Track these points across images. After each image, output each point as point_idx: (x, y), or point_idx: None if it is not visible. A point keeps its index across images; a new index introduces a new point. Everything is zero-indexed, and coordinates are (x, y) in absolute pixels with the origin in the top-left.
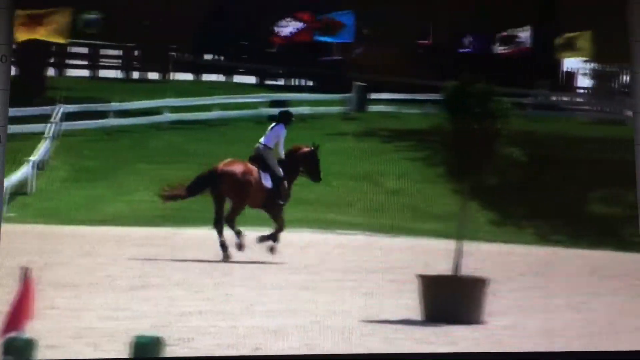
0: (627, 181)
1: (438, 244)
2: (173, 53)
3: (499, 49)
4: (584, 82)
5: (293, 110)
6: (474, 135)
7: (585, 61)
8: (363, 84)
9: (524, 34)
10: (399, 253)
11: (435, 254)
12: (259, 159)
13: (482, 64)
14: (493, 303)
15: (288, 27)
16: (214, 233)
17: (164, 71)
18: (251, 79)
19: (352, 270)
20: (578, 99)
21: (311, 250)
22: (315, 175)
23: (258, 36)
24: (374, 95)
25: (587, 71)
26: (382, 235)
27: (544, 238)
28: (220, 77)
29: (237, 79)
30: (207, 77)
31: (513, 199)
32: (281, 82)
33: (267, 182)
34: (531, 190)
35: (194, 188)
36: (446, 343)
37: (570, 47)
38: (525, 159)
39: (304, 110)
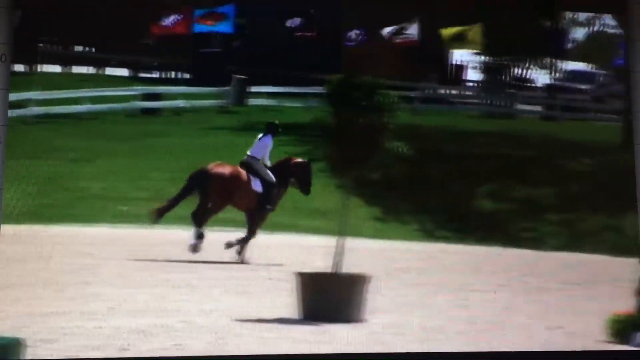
0: (515, 176)
1: (318, 240)
2: (41, 44)
3: (386, 41)
4: (473, 75)
5: (168, 104)
6: (358, 129)
7: (475, 54)
8: (243, 76)
9: (412, 27)
10: (277, 250)
11: (315, 251)
12: (248, 167)
13: (369, 57)
14: (374, 301)
15: (166, 18)
16: (82, 229)
17: (30, 63)
18: (124, 72)
19: (228, 268)
20: (467, 92)
21: (185, 247)
22: (306, 187)
23: (133, 27)
24: (254, 89)
25: (477, 64)
26: (260, 231)
27: (428, 234)
28: (91, 70)
29: (110, 71)
30: (77, 69)
31: (397, 194)
32: (156, 74)
33: (257, 187)
34: (416, 186)
35: (186, 189)
36: (324, 342)
37: (460, 40)
38: (412, 153)
39: (179, 103)
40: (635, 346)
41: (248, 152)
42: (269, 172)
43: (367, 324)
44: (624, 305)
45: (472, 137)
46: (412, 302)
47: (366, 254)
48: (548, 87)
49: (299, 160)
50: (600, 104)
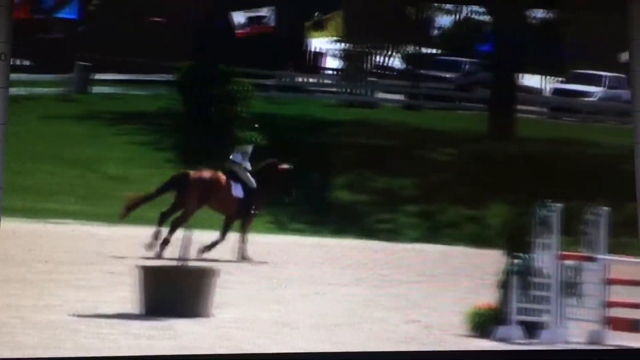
0: (373, 166)
1: (163, 232)
2: None
3: (241, 28)
4: (332, 63)
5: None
6: (209, 118)
7: (335, 41)
8: (86, 63)
9: (268, 12)
10: (119, 243)
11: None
12: (230, 172)
13: (222, 44)
14: (222, 295)
15: None
16: None
17: None
18: None
19: (64, 262)
20: (326, 81)
21: (19, 240)
22: (290, 192)
23: None
24: (98, 76)
25: (337, 52)
26: (100, 224)
27: (282, 227)
28: None
29: None
30: None
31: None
32: None
33: (238, 192)
34: (269, 177)
35: (163, 188)
36: (167, 338)
37: (319, 27)
38: (266, 143)
39: (19, 91)
40: (496, 341)
41: (230, 157)
42: (250, 177)
43: (213, 319)
44: (486, 298)
45: (330, 126)
46: (263, 296)
47: (216, 246)
48: (411, 76)
49: (285, 165)
50: (465, 92)
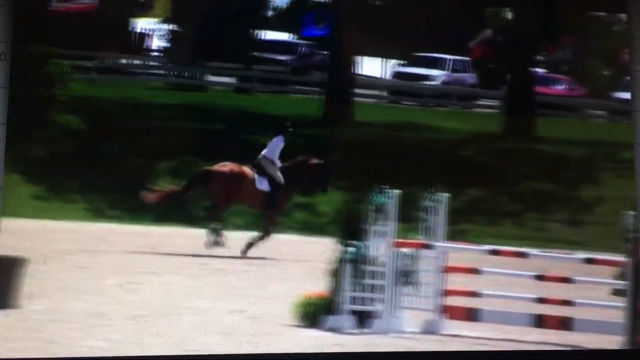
0: (200, 151)
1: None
2: None
3: (60, 5)
4: (159, 44)
5: None
6: (24, 101)
7: (162, 22)
8: None
9: None
10: None
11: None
12: (258, 166)
13: (38, 22)
14: (32, 285)
15: None
16: None
17: None
18: None
19: None
20: (152, 63)
21: None
22: (324, 186)
23: None
24: None
25: (164, 33)
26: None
27: (98, 214)
28: None
29: None
30: None
31: (65, 171)
32: None
33: (263, 186)
34: (87, 162)
35: (188, 185)
36: None
37: (145, 7)
38: (84, 127)
39: None
40: (326, 330)
41: (262, 153)
42: (277, 172)
43: (20, 310)
44: (317, 288)
45: (154, 110)
46: (77, 286)
47: (25, 235)
48: (243, 58)
49: (315, 161)
50: (301, 76)
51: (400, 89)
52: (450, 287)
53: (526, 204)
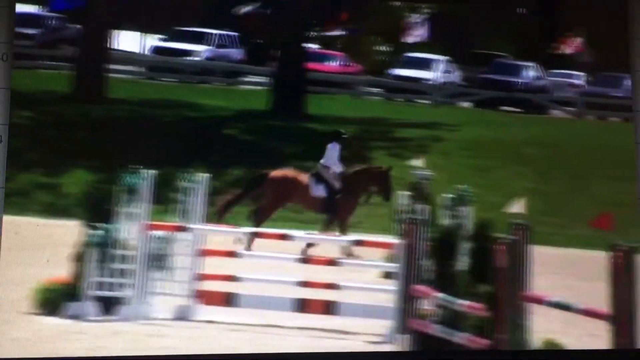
0: None
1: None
2: None
3: None
4: None
5: None
6: None
7: None
8: None
9: None
10: None
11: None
12: (315, 173)
13: None
14: None
15: None
16: None
17: None
18: None
19: None
20: None
21: None
22: (386, 194)
23: None
24: None
25: None
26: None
27: None
28: None
29: None
30: None
31: None
32: None
33: (320, 192)
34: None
35: (248, 188)
36: None
37: None
38: None
39: None
40: (67, 318)
41: (321, 161)
42: (334, 178)
43: None
44: (61, 273)
45: None
46: None
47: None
48: None
49: (380, 168)
50: (50, 50)
51: (159, 64)
52: (209, 271)
53: None
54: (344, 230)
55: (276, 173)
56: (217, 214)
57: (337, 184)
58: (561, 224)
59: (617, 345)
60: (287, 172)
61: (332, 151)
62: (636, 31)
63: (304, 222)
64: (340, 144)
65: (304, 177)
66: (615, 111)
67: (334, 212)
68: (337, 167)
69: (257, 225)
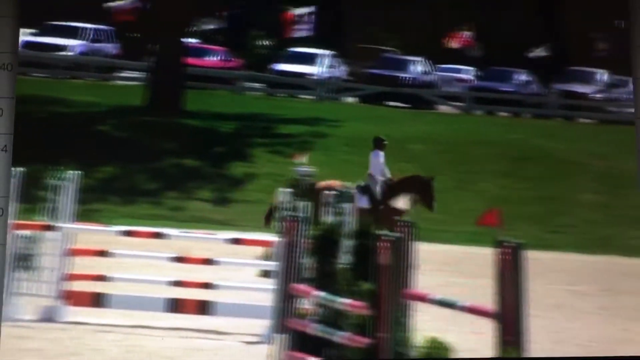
0: None
1: None
2: None
3: None
4: None
5: None
6: None
7: None
8: None
9: None
10: None
11: None
12: (362, 186)
13: None
14: None
15: None
16: None
17: None
18: None
19: None
20: None
21: None
22: (429, 203)
23: None
24: None
25: None
26: None
27: None
28: None
29: None
30: None
31: None
32: None
33: (363, 203)
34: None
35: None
36: None
37: None
38: None
39: None
40: None
41: (368, 171)
42: (377, 188)
43: None
44: None
45: None
46: None
47: None
48: None
49: (424, 178)
50: None
51: (29, 59)
52: (78, 271)
53: (171, 181)
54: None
55: (322, 184)
56: (264, 221)
57: (381, 195)
58: (446, 221)
59: (503, 343)
60: (332, 183)
61: (376, 159)
62: (638, 38)
63: (181, 220)
64: (382, 151)
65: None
66: (505, 106)
67: (377, 221)
68: (381, 176)
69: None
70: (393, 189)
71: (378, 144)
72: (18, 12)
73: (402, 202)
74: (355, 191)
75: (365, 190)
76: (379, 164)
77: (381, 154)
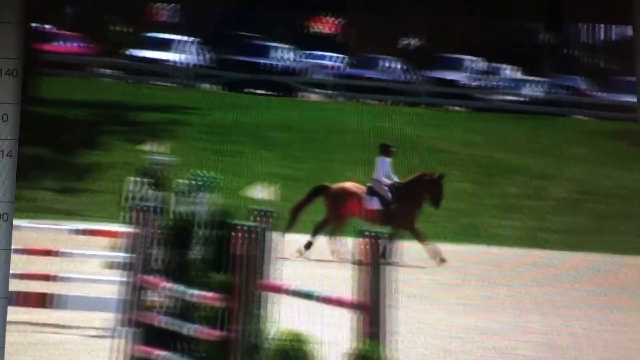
0: None
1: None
2: None
3: None
4: None
5: None
6: None
7: None
8: None
9: None
10: None
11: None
12: (369, 187)
13: None
14: None
15: None
16: None
17: None
18: None
19: None
20: None
21: None
22: (437, 201)
23: None
24: None
25: None
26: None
27: None
28: None
29: None
30: None
31: None
32: None
33: (374, 204)
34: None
35: (307, 198)
36: None
37: None
38: None
39: None
40: None
41: (373, 176)
42: (386, 190)
43: None
44: None
45: None
46: None
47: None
48: None
49: (433, 176)
50: None
51: None
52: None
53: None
54: (419, 237)
55: (335, 186)
56: (287, 223)
57: (390, 196)
58: (307, 210)
59: (363, 334)
60: (345, 185)
61: (382, 165)
62: None
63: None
64: (389, 158)
65: (361, 190)
66: (373, 94)
67: (393, 223)
68: (388, 180)
69: (321, 232)
70: (403, 190)
71: (385, 150)
72: (23, 18)
73: (413, 202)
74: (366, 193)
75: (375, 193)
76: (384, 170)
77: (387, 160)
